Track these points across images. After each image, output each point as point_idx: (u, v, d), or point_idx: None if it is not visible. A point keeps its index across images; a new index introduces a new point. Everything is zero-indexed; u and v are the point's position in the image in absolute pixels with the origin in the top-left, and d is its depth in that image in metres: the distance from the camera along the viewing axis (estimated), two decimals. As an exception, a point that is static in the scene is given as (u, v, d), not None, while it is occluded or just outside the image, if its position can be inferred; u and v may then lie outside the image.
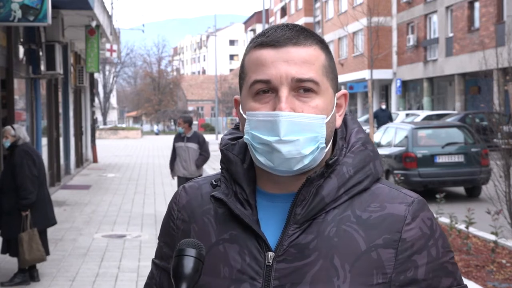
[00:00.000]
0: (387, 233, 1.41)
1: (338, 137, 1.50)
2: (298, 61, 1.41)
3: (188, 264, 1.34)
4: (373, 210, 1.43)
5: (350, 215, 1.43)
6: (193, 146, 10.78)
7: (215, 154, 17.94)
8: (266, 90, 1.42)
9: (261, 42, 1.44)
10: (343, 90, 1.52)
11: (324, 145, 1.43)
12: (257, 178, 1.50)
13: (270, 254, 1.42)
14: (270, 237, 1.44)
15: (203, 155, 10.81)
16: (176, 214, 1.58)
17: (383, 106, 27.86)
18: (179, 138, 10.98)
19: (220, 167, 1.56)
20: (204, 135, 11.43)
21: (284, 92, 1.40)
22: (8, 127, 7.42)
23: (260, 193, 1.49)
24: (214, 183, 1.53)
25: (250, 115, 1.42)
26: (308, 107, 1.41)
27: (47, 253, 7.59)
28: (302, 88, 1.41)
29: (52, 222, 7.63)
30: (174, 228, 1.57)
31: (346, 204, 1.44)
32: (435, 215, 9.65)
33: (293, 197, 1.45)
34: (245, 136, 1.44)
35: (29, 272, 7.50)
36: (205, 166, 13.98)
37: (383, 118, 25.10)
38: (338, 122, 1.50)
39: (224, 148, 1.53)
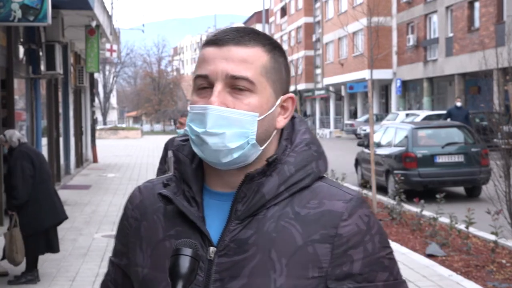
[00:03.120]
0: (324, 229, 1.46)
1: (283, 138, 1.55)
2: (236, 59, 1.47)
3: (184, 263, 1.38)
4: (311, 206, 1.49)
5: (289, 211, 1.48)
6: None
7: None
8: (206, 86, 1.49)
9: (207, 40, 1.52)
10: (290, 94, 1.56)
11: (255, 142, 1.48)
12: (205, 177, 1.56)
13: (212, 249, 1.48)
14: (213, 233, 1.50)
15: None
16: (129, 213, 1.64)
17: (458, 103, 21.86)
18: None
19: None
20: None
21: (218, 87, 1.46)
22: (0, 136, 7.60)
23: (207, 191, 1.55)
24: (166, 182, 1.59)
25: (191, 108, 1.51)
26: (240, 103, 1.46)
27: (57, 249, 7.65)
28: (237, 86, 1.46)
29: (62, 217, 7.70)
30: (128, 226, 1.63)
31: (286, 201, 1.49)
32: (435, 215, 9.66)
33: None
34: (185, 128, 1.52)
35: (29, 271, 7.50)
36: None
37: (458, 117, 19.65)
38: (281, 123, 1.54)
39: (176, 149, 1.60)
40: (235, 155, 1.47)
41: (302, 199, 1.50)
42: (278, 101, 1.52)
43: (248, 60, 1.48)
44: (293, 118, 1.59)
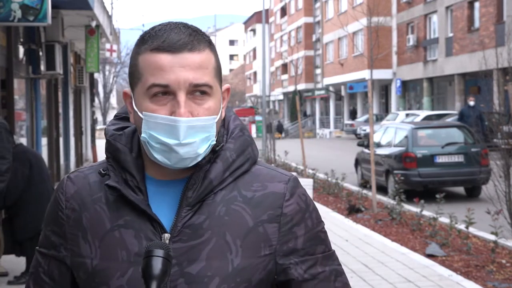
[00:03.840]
0: (271, 209, 1.56)
1: (219, 124, 1.59)
2: (194, 66, 1.50)
3: (157, 264, 1.40)
4: (256, 189, 1.58)
5: (236, 195, 1.56)
6: None
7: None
8: (164, 93, 1.50)
9: (157, 46, 1.51)
10: (227, 85, 1.63)
11: (215, 142, 1.55)
12: (145, 166, 1.59)
13: (166, 235, 1.52)
14: (164, 220, 1.53)
15: None
16: (64, 204, 1.62)
17: (471, 102, 19.34)
18: None
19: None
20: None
21: (182, 97, 1.49)
22: None
23: (149, 179, 1.58)
24: (103, 171, 1.60)
25: (148, 116, 1.50)
26: (202, 109, 1.51)
27: None
28: (198, 91, 1.51)
29: None
30: (64, 218, 1.61)
31: (231, 186, 1.57)
32: (435, 215, 9.66)
33: (181, 183, 1.56)
34: (142, 135, 1.51)
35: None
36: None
37: (471, 117, 17.83)
38: (223, 114, 1.61)
39: (112, 138, 1.61)
40: (199, 158, 1.53)
41: (245, 183, 1.58)
42: (221, 95, 1.59)
43: (203, 65, 1.52)
44: None
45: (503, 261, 7.83)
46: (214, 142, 1.54)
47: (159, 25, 1.58)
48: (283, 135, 49.18)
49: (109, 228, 1.55)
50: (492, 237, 8.33)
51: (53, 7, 11.30)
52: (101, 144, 34.39)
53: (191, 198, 1.54)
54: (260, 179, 1.60)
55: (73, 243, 1.59)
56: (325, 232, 1.65)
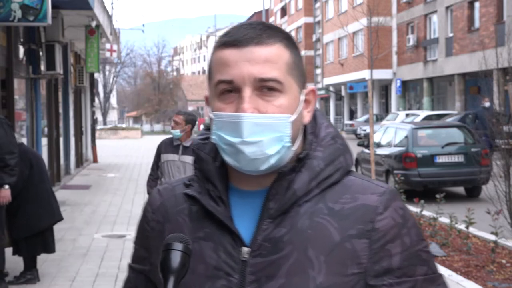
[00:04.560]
0: (360, 224, 1.42)
1: (308, 132, 1.50)
2: (260, 60, 1.41)
3: (176, 258, 1.36)
4: (345, 201, 1.45)
5: (322, 207, 1.44)
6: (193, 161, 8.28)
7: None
8: (230, 90, 1.43)
9: (224, 42, 1.45)
10: (311, 86, 1.52)
11: (290, 143, 1.43)
12: (229, 175, 1.51)
13: (245, 249, 1.43)
14: (244, 233, 1.45)
15: None
16: (150, 216, 1.58)
17: (487, 104, 18.45)
18: (169, 146, 7.29)
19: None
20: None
21: (247, 92, 1.40)
22: None
23: (232, 190, 1.50)
24: (188, 182, 1.55)
25: (216, 116, 1.44)
26: (272, 106, 1.41)
27: (53, 250, 7.63)
28: (266, 87, 1.41)
29: (58, 217, 7.67)
30: (149, 230, 1.58)
31: (318, 197, 1.45)
32: (435, 215, 9.66)
33: (265, 193, 1.46)
34: (212, 137, 1.46)
35: (28, 271, 7.50)
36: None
37: (486, 119, 16.94)
38: (307, 118, 1.50)
39: (196, 148, 1.55)
40: (273, 161, 1.42)
41: (334, 194, 1.46)
42: (302, 96, 1.48)
43: (272, 60, 1.42)
44: (313, 111, 1.55)
45: (503, 261, 7.83)
46: (289, 144, 1.43)
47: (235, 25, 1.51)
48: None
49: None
50: (492, 237, 8.33)
51: (53, 7, 11.30)
52: (101, 144, 34.03)
53: (272, 210, 1.44)
54: (351, 190, 1.47)
55: (156, 256, 1.51)
56: (429, 252, 1.48)
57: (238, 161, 1.42)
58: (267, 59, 1.42)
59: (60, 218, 7.73)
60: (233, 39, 1.43)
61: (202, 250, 1.46)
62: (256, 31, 1.44)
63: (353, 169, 1.55)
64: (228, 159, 1.44)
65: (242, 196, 1.49)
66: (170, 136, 7.29)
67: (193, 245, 1.47)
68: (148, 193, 7.18)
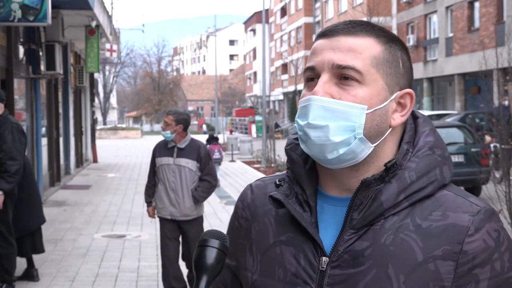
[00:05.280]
0: (447, 244, 1.33)
1: (404, 141, 1.43)
2: (344, 49, 1.39)
3: (211, 255, 1.32)
4: (434, 219, 1.36)
5: (409, 223, 1.36)
6: (189, 164, 6.63)
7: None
8: (313, 78, 1.42)
9: (319, 33, 1.46)
10: (407, 89, 1.44)
11: (362, 136, 1.37)
12: (319, 179, 1.47)
13: (324, 259, 1.39)
14: (326, 241, 1.41)
15: (207, 180, 6.68)
16: (240, 213, 1.57)
17: (506, 102, 17.28)
18: (163, 149, 6.73)
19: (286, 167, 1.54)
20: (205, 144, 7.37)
21: (323, 77, 1.38)
22: None
23: (321, 195, 1.46)
24: (278, 182, 1.50)
25: (299, 103, 1.42)
26: (347, 94, 1.37)
27: (42, 250, 7.60)
28: (344, 75, 1.38)
29: (42, 220, 7.63)
30: (238, 226, 1.56)
31: (406, 211, 1.37)
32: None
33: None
34: (294, 124, 1.43)
35: (28, 271, 7.49)
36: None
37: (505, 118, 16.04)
38: (397, 121, 1.42)
39: (288, 148, 1.50)
40: (341, 151, 1.36)
41: (423, 209, 1.37)
42: (393, 96, 1.41)
43: (357, 50, 1.39)
44: (416, 118, 1.48)
45: (503, 261, 7.83)
46: (362, 137, 1.36)
47: None
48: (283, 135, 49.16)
49: (272, 243, 1.46)
50: (492, 237, 8.33)
51: (53, 7, 11.30)
52: (101, 144, 34.15)
53: (355, 221, 1.37)
54: (443, 207, 1.37)
55: (241, 254, 1.52)
56: None
57: (308, 146, 1.39)
58: (351, 48, 1.39)
59: (44, 220, 7.67)
60: (327, 29, 1.44)
61: (283, 255, 1.44)
62: (352, 25, 1.42)
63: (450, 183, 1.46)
64: (302, 146, 1.41)
65: (330, 202, 1.44)
66: (163, 139, 6.81)
67: (275, 249, 1.45)
68: (146, 201, 6.85)
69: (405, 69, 1.44)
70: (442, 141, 1.47)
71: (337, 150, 1.36)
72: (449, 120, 23.48)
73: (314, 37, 1.46)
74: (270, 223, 1.49)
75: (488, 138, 15.00)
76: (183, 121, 6.65)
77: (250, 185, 1.60)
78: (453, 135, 14.51)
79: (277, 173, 1.60)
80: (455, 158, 13.86)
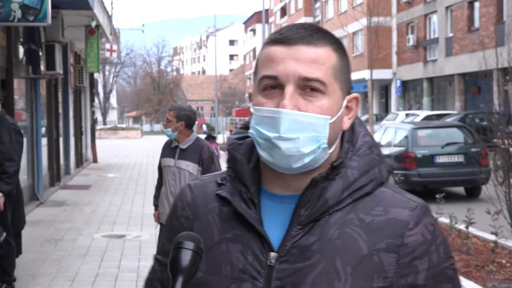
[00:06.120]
0: (390, 238, 1.42)
1: (345, 140, 1.50)
2: (307, 60, 1.42)
3: (186, 257, 1.34)
4: (376, 214, 1.44)
5: (353, 218, 1.43)
6: (189, 167, 6.11)
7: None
8: (274, 86, 1.43)
9: (274, 38, 1.46)
10: (355, 94, 1.51)
11: (326, 145, 1.43)
12: (262, 178, 1.51)
13: (273, 254, 1.43)
14: (273, 238, 1.45)
15: None
16: (180, 212, 1.58)
17: None
18: (167, 149, 6.33)
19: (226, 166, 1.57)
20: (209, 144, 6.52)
21: (289, 89, 1.41)
22: None
23: (264, 193, 1.50)
24: (220, 181, 1.54)
25: (256, 110, 1.44)
26: (312, 106, 1.41)
27: (20, 252, 7.45)
28: (309, 87, 1.41)
29: (24, 221, 7.57)
30: (178, 226, 1.57)
31: (349, 207, 1.44)
32: (435, 215, 9.65)
33: (297, 198, 1.45)
34: (250, 130, 1.46)
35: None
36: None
37: None
38: (346, 124, 1.50)
39: (231, 148, 1.55)
40: (306, 160, 1.42)
41: (365, 205, 1.45)
42: (345, 102, 1.48)
43: (319, 61, 1.43)
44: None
45: (503, 261, 7.83)
46: (325, 146, 1.42)
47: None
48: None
49: (217, 240, 1.49)
50: (492, 237, 8.33)
51: (53, 7, 11.30)
52: (101, 144, 34.06)
53: (303, 217, 1.43)
54: (383, 203, 1.45)
55: None
56: (455, 269, 1.48)
57: (272, 156, 1.42)
58: (314, 60, 1.42)
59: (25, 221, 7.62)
60: (283, 36, 1.44)
61: (230, 252, 1.46)
62: (307, 32, 1.45)
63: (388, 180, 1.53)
64: (263, 153, 1.44)
65: (274, 199, 1.48)
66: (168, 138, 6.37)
67: (221, 246, 1.48)
68: (153, 204, 6.54)
69: (349, 73, 1.51)
70: (377, 142, 1.53)
71: (302, 159, 1.41)
72: (449, 120, 23.49)
73: (263, 39, 1.41)
74: (214, 221, 1.51)
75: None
76: (185, 118, 6.13)
77: (189, 184, 1.62)
78: (453, 135, 14.51)
79: (215, 173, 1.63)
80: (455, 158, 13.86)
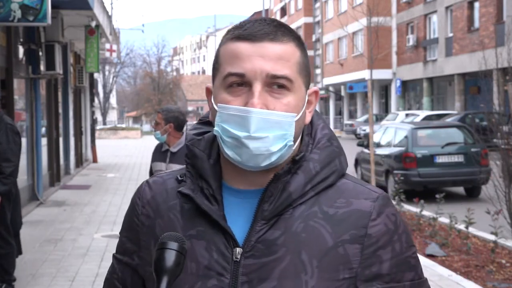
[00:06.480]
0: (354, 229, 1.43)
1: (304, 133, 1.49)
2: (273, 57, 1.40)
3: (170, 257, 1.34)
4: (339, 206, 1.45)
5: (317, 211, 1.44)
6: None
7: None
8: (240, 83, 1.42)
9: (238, 34, 1.43)
10: (315, 87, 1.51)
11: (292, 142, 1.42)
12: (223, 173, 1.49)
13: (238, 250, 1.42)
14: (237, 233, 1.44)
15: None
16: (140, 210, 1.56)
17: None
18: (158, 153, 6.14)
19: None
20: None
21: (257, 87, 1.39)
22: None
23: (226, 188, 1.49)
24: (180, 178, 1.53)
25: (222, 108, 1.42)
26: (280, 104, 1.40)
27: (21, 252, 7.48)
28: (276, 84, 1.41)
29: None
30: (138, 224, 1.55)
31: (312, 200, 1.44)
32: (435, 215, 9.65)
33: (260, 193, 1.45)
34: (215, 128, 1.43)
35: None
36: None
37: None
38: (308, 118, 1.50)
39: (190, 144, 1.53)
40: (274, 158, 1.41)
41: (328, 198, 1.45)
42: (307, 97, 1.48)
43: (284, 57, 1.42)
44: None
45: (503, 261, 7.83)
46: (291, 143, 1.42)
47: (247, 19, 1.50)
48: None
49: None
50: (492, 237, 8.33)
51: (53, 7, 11.30)
52: (100, 144, 34.02)
53: (267, 212, 1.42)
54: (345, 194, 1.46)
55: (146, 251, 1.52)
56: (416, 257, 1.51)
57: (240, 155, 1.41)
58: (281, 56, 1.41)
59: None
60: (247, 33, 1.42)
61: (194, 249, 1.45)
62: (270, 27, 1.43)
63: (347, 171, 1.54)
64: (229, 152, 1.42)
65: (236, 195, 1.47)
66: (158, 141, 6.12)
67: None
68: None
69: (309, 67, 1.50)
70: (335, 134, 1.53)
71: (270, 158, 1.40)
72: (449, 120, 23.50)
73: (225, 34, 1.35)
74: (177, 218, 1.49)
75: None
76: (174, 119, 5.91)
77: (147, 181, 1.60)
78: (453, 135, 14.51)
79: (173, 170, 1.62)
80: (455, 158, 13.86)
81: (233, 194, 1.48)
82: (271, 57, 1.40)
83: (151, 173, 6.20)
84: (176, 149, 5.88)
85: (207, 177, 1.48)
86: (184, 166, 1.56)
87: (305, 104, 1.47)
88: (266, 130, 1.39)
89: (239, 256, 1.42)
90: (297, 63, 1.44)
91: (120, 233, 1.64)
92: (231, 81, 1.42)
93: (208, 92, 1.53)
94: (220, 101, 1.43)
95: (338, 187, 1.47)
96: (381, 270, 1.43)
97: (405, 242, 1.47)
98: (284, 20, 67.07)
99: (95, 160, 24.74)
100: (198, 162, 1.50)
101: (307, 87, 1.49)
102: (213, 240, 1.44)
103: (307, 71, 1.48)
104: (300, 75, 1.44)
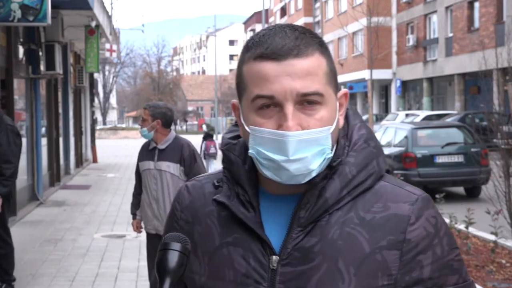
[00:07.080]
0: (391, 234, 1.39)
1: (340, 135, 1.46)
2: (301, 74, 1.36)
3: (173, 258, 1.34)
4: (376, 210, 1.41)
5: (353, 216, 1.41)
6: (170, 168, 5.70)
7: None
8: (269, 105, 1.38)
9: (261, 54, 1.39)
10: (344, 90, 1.47)
11: (331, 155, 1.40)
12: (259, 179, 1.47)
13: (274, 257, 1.41)
14: (273, 240, 1.43)
15: None
16: (179, 215, 1.56)
17: None
18: (145, 152, 5.94)
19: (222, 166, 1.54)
20: (192, 143, 5.97)
21: (289, 108, 1.36)
22: None
23: (263, 194, 1.47)
24: (217, 183, 1.51)
25: (255, 131, 1.39)
26: (313, 120, 1.37)
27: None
28: (307, 101, 1.37)
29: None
30: (178, 229, 1.55)
31: (349, 205, 1.42)
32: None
33: (296, 199, 1.43)
34: (250, 151, 1.41)
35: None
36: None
37: None
38: (341, 122, 1.46)
39: (225, 149, 1.51)
40: (314, 174, 1.39)
41: (365, 202, 1.42)
42: (337, 102, 1.45)
43: (313, 72, 1.38)
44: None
45: (503, 261, 7.83)
46: (330, 155, 1.39)
47: (264, 29, 1.44)
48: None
49: (218, 245, 1.46)
50: (492, 237, 8.33)
51: (53, 7, 11.30)
52: (100, 144, 34.06)
53: (303, 219, 1.40)
54: (383, 198, 1.42)
55: None
56: (460, 260, 1.45)
57: (279, 176, 1.38)
58: (309, 72, 1.37)
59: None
60: (270, 51, 1.38)
61: (231, 256, 1.44)
62: (292, 40, 1.38)
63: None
64: (268, 173, 1.39)
65: (273, 201, 1.46)
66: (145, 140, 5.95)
67: (222, 251, 1.46)
68: (131, 213, 6.10)
69: (335, 71, 1.46)
70: (373, 133, 1.49)
71: (310, 174, 1.38)
72: (449, 120, 23.50)
73: (244, 49, 1.32)
74: (214, 225, 1.49)
75: None
76: (161, 115, 5.68)
77: (186, 185, 1.59)
78: (453, 135, 14.51)
79: (211, 172, 1.60)
80: (455, 158, 13.86)
81: (270, 200, 1.46)
82: (299, 74, 1.36)
83: (138, 173, 6.02)
84: (164, 146, 5.68)
85: (243, 183, 1.46)
86: (221, 168, 1.55)
87: (337, 111, 1.44)
88: (304, 151, 1.36)
89: (275, 264, 1.41)
90: (325, 74, 1.40)
91: (150, 246, 1.63)
92: (261, 104, 1.38)
93: (235, 108, 1.49)
94: (252, 123, 1.40)
95: (376, 191, 1.44)
96: (422, 275, 1.40)
97: (447, 245, 1.43)
98: (283, 20, 67.06)
99: (95, 160, 24.74)
100: (234, 167, 1.48)
101: (336, 92, 1.45)
102: (250, 247, 1.43)
103: (334, 77, 1.44)
104: (329, 85, 1.41)
